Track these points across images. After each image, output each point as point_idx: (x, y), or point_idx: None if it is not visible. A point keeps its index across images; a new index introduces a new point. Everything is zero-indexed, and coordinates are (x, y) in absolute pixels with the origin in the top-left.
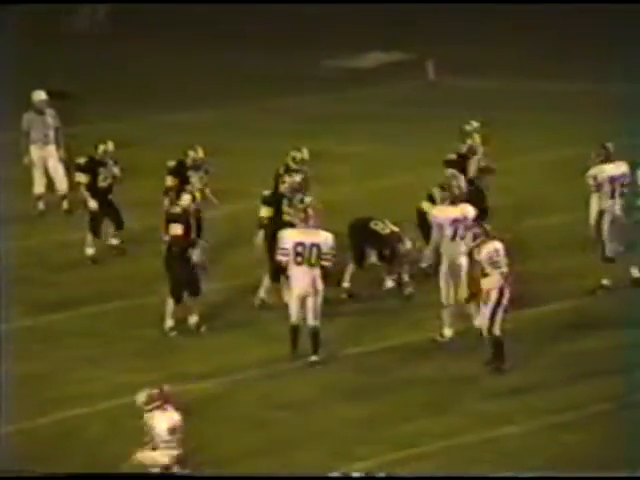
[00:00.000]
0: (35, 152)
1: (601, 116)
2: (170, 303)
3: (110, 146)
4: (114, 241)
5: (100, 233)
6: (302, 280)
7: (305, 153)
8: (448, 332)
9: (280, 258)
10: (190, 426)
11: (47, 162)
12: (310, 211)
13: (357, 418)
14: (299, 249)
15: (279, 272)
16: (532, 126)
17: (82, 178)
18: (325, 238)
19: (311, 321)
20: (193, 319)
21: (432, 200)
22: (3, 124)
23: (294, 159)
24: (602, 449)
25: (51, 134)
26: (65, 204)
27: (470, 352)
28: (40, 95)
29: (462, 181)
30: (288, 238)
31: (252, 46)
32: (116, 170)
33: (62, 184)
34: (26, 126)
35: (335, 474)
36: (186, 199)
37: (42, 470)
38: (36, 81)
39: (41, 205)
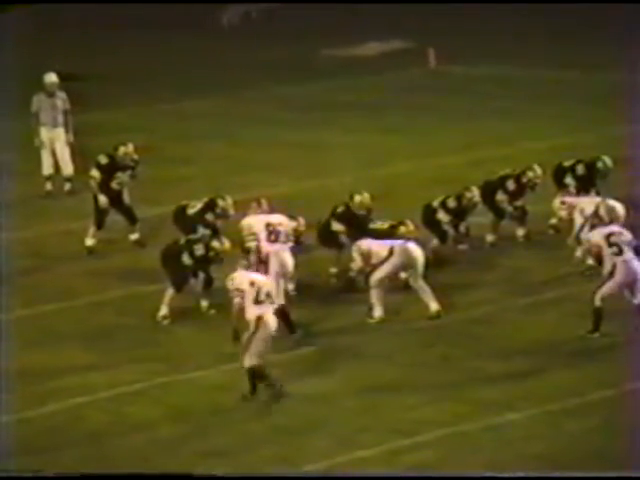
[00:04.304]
0: (44, 134)
1: (600, 104)
2: (170, 292)
3: (130, 148)
4: (133, 237)
5: (104, 226)
6: (280, 258)
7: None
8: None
9: (250, 244)
10: (192, 415)
11: (55, 144)
12: (263, 200)
13: (359, 406)
14: (270, 228)
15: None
16: (532, 114)
17: (96, 175)
18: (282, 218)
19: (280, 300)
20: (204, 303)
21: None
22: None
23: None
24: (604, 437)
25: (60, 117)
26: (68, 186)
27: (469, 338)
28: (51, 77)
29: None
30: (256, 223)
31: (253, 36)
32: (130, 176)
33: (68, 167)
34: (35, 108)
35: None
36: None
37: (40, 461)
38: (41, 66)
39: (49, 186)
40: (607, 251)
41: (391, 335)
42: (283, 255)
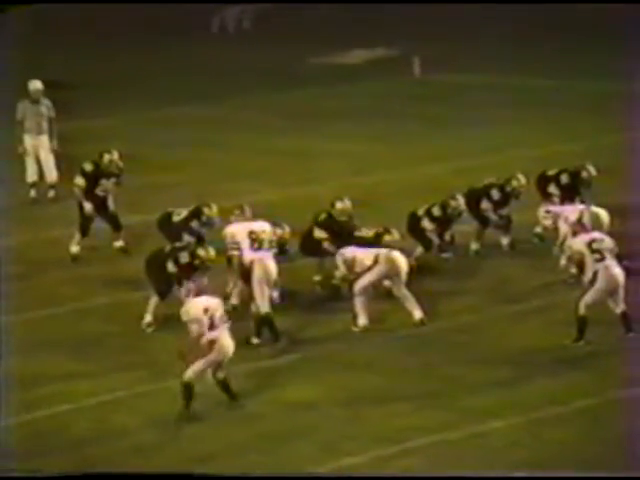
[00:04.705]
0: (28, 141)
1: (588, 111)
2: (154, 299)
3: (115, 155)
4: (117, 244)
5: (88, 233)
6: (263, 266)
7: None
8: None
9: (233, 253)
10: (181, 423)
11: (39, 151)
12: (246, 207)
13: (345, 413)
14: (253, 236)
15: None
16: (517, 122)
17: (80, 182)
18: (265, 225)
19: (263, 309)
20: None
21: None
22: None
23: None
24: (586, 445)
25: (44, 124)
26: (52, 193)
27: (454, 346)
28: (36, 84)
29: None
30: (238, 231)
31: (239, 43)
32: (115, 183)
33: (52, 174)
34: (20, 115)
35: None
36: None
37: (28, 468)
38: (30, 73)
39: (33, 193)
40: (589, 258)
41: (376, 343)
42: (266, 262)
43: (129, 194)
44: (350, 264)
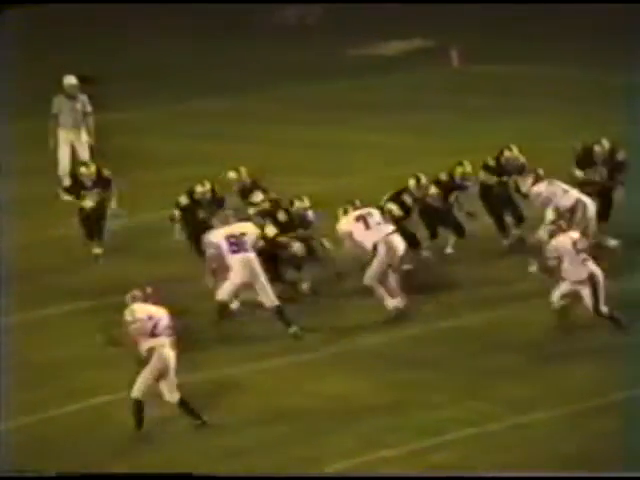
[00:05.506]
0: (63, 135)
1: (619, 105)
2: None
3: (92, 169)
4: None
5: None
6: (243, 268)
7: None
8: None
9: (211, 253)
10: (213, 417)
11: (75, 145)
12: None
13: (385, 405)
14: (232, 239)
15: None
16: (557, 113)
17: (177, 214)
18: (248, 227)
19: (269, 303)
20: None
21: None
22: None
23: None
24: (629, 437)
25: (80, 119)
26: None
27: (497, 338)
28: (70, 80)
29: None
30: (217, 234)
31: (275, 37)
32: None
33: None
34: (55, 109)
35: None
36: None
37: (28, 468)
38: (64, 68)
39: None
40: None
41: (415, 335)
42: (250, 264)
43: (164, 187)
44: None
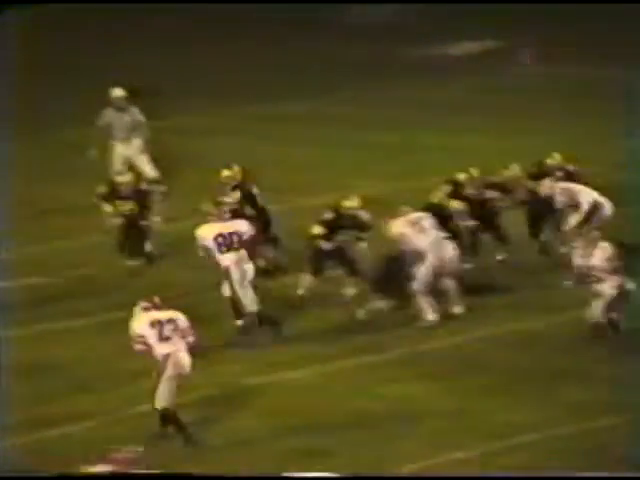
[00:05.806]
0: (115, 148)
1: None
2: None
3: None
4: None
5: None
6: (234, 266)
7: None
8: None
9: (202, 254)
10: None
11: (131, 156)
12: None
13: (452, 408)
14: (220, 240)
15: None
16: (621, 114)
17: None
18: (241, 224)
19: (250, 307)
20: None
21: None
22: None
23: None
24: None
25: (131, 130)
26: (162, 188)
27: (567, 343)
28: (117, 92)
29: None
30: (207, 234)
31: (340, 36)
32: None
33: (152, 173)
34: (103, 122)
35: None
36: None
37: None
38: (109, 78)
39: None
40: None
41: (481, 338)
42: (240, 263)
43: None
44: None
